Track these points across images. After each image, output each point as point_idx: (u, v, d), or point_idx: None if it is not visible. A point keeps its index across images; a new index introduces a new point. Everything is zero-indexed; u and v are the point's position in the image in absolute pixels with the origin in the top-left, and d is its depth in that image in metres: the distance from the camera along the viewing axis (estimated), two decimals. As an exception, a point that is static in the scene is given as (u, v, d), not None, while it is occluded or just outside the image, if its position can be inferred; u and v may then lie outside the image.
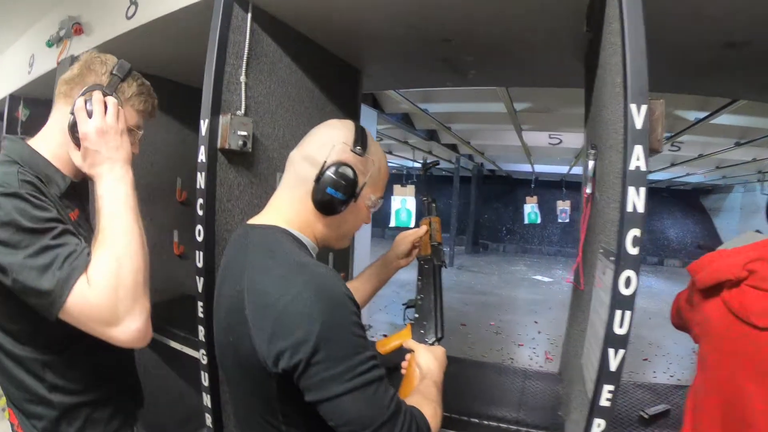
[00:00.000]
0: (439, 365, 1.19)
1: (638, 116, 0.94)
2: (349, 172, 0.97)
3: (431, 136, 7.23)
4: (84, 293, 0.91)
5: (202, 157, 1.51)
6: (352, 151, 0.99)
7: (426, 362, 1.19)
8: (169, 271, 2.78)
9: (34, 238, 0.92)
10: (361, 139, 1.01)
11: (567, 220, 10.74)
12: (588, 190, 1.43)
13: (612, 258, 1.00)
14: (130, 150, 1.13)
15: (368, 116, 4.66)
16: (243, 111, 1.62)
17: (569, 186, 10.61)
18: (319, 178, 0.96)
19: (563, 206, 10.45)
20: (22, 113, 3.58)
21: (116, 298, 0.93)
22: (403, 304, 1.40)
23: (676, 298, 1.35)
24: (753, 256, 1.04)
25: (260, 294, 0.87)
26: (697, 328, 1.17)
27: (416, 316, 1.32)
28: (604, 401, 0.98)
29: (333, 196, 0.97)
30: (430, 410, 0.96)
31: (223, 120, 1.52)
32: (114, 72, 1.14)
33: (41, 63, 2.91)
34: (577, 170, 10.35)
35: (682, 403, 1.72)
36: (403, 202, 7.94)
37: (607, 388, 0.98)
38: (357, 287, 1.41)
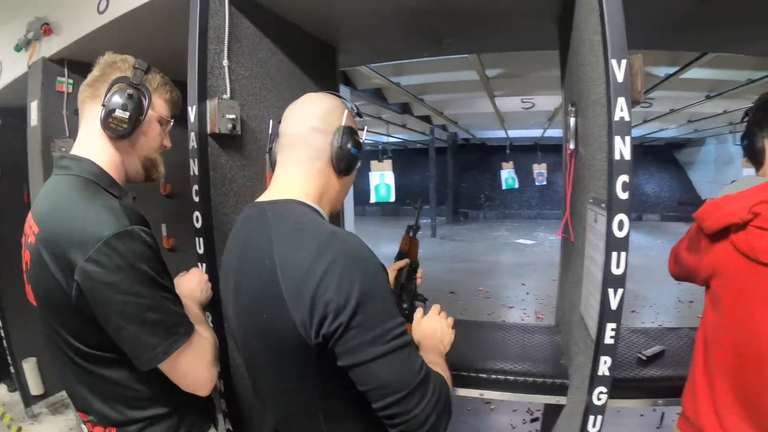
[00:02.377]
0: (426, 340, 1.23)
1: (619, 71, 1.00)
2: (356, 132, 1.06)
3: (404, 109, 7.22)
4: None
5: (193, 143, 1.51)
6: (352, 115, 1.09)
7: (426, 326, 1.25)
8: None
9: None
10: (350, 105, 1.10)
11: (544, 183, 10.84)
12: (571, 146, 1.49)
13: (603, 205, 1.06)
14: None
15: (342, 94, 4.62)
16: (229, 95, 1.62)
17: (544, 149, 10.71)
18: (341, 141, 1.02)
19: (539, 169, 10.55)
20: (-7, 123, 3.50)
21: None
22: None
23: (673, 250, 1.41)
24: (757, 198, 1.10)
25: (296, 267, 0.88)
26: (705, 272, 1.22)
27: None
28: (608, 339, 1.06)
29: (353, 155, 1.04)
30: (446, 375, 1.01)
31: (211, 104, 1.52)
32: (136, 66, 1.16)
33: (10, 69, 2.82)
34: (551, 133, 10.48)
35: (675, 344, 1.82)
36: (382, 177, 7.94)
37: (610, 326, 1.06)
38: None
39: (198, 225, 1.52)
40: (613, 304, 1.04)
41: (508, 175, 10.61)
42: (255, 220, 1.00)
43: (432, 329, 1.23)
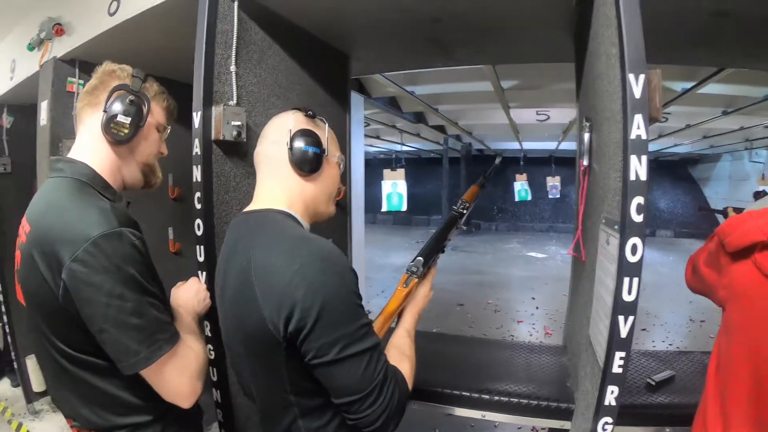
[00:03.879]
0: (416, 305, 1.31)
1: (637, 86, 0.95)
2: (311, 131, 1.11)
3: (419, 118, 7.20)
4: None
5: (197, 150, 1.49)
6: (305, 117, 1.15)
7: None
8: (166, 270, 2.75)
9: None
10: (308, 110, 1.17)
11: (557, 196, 10.76)
12: (585, 162, 1.44)
13: (616, 227, 1.01)
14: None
15: (355, 102, 4.57)
16: (235, 101, 1.60)
17: (558, 162, 10.60)
18: (292, 144, 1.09)
19: (553, 182, 10.47)
20: (6, 120, 3.52)
21: None
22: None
23: (691, 259, 1.34)
24: None
25: (268, 267, 0.95)
26: (723, 292, 1.16)
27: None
28: (616, 368, 1.00)
29: (309, 150, 1.09)
30: (408, 368, 1.09)
31: (216, 111, 1.50)
32: (134, 75, 1.20)
33: (23, 68, 2.85)
34: (566, 146, 10.38)
35: (686, 369, 1.76)
36: (394, 186, 7.91)
37: (619, 355, 1.00)
38: None
39: (199, 232, 1.50)
40: (623, 332, 0.99)
41: (521, 187, 10.53)
42: (240, 228, 1.09)
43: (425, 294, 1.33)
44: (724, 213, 1.93)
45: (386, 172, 8.56)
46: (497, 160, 1.62)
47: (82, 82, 2.49)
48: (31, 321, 1.10)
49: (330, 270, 0.94)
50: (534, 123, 6.92)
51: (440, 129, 8.91)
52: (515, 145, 11.53)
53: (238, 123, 1.56)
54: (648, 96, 0.95)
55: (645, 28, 0.98)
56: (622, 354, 1.00)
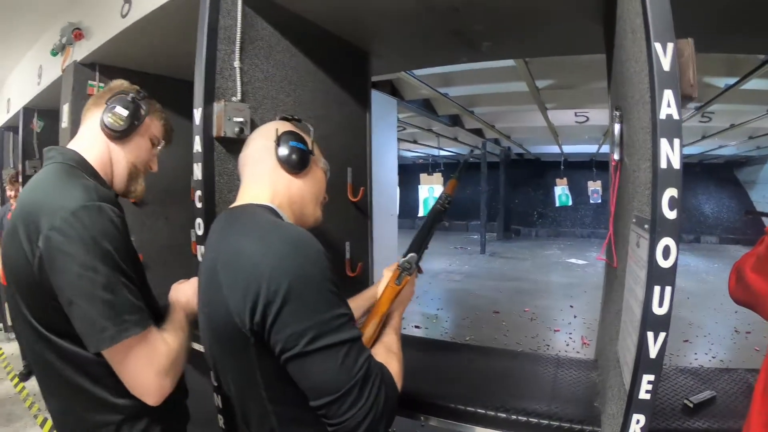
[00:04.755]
0: (402, 304, 1.21)
1: (664, 57, 0.80)
2: (298, 133, 1.10)
3: (455, 121, 7.12)
4: None
5: (197, 147, 1.45)
6: (291, 122, 1.15)
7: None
8: (190, 272, 2.71)
9: None
10: (293, 116, 1.17)
11: (599, 201, 10.50)
12: (616, 156, 1.29)
13: (646, 226, 0.86)
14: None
15: (388, 105, 4.52)
16: (239, 97, 1.55)
17: (599, 166, 10.35)
18: (279, 142, 1.06)
19: (594, 187, 10.21)
20: (36, 125, 3.60)
21: None
22: None
23: (735, 267, 1.19)
24: None
25: (234, 255, 0.88)
26: None
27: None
28: (643, 393, 0.84)
29: (296, 147, 1.06)
30: (396, 366, 0.98)
31: (217, 107, 1.46)
32: (139, 90, 1.26)
33: (48, 73, 2.93)
34: (607, 149, 10.04)
35: (728, 388, 1.56)
36: (431, 191, 7.84)
37: (647, 378, 0.83)
38: None
39: (200, 232, 1.45)
40: (653, 351, 0.82)
41: (561, 192, 10.31)
42: (220, 224, 1.03)
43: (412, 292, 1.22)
44: None
45: (423, 176, 8.50)
46: (467, 154, 1.51)
47: (102, 84, 2.50)
48: (11, 301, 1.09)
49: (300, 253, 0.85)
50: (573, 125, 6.69)
51: (478, 133, 8.77)
52: (555, 149, 11.26)
53: (241, 119, 1.51)
54: (680, 69, 0.80)
55: (675, 10, 0.83)
56: (651, 377, 0.83)
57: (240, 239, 0.91)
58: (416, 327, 5.86)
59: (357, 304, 1.45)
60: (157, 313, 1.14)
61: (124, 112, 1.20)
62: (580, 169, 12.56)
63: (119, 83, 1.27)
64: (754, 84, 3.96)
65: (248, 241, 0.89)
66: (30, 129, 3.67)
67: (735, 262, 1.21)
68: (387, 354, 1.00)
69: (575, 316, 6.42)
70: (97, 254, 0.96)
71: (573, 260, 11.72)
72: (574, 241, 15.26)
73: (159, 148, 1.33)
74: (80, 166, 1.14)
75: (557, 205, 10.52)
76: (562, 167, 10.04)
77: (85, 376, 1.04)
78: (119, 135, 1.20)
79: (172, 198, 2.76)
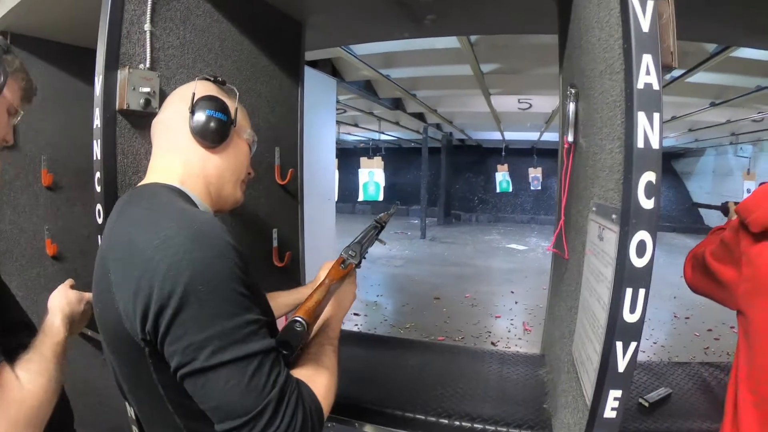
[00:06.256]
0: (342, 308, 1.05)
1: (644, 16, 0.67)
2: (218, 98, 0.94)
3: (396, 105, 6.96)
4: None
5: (97, 121, 1.26)
6: (213, 83, 0.98)
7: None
8: (45, 278, 2.39)
9: None
10: (215, 77, 1.01)
11: (539, 188, 10.71)
12: (570, 138, 1.17)
13: (614, 216, 0.73)
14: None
15: (328, 84, 4.34)
16: (148, 64, 1.35)
17: (540, 153, 10.53)
18: (194, 110, 0.90)
19: (535, 173, 10.40)
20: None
21: None
22: None
23: (691, 255, 1.12)
24: None
25: (125, 245, 0.73)
26: (744, 286, 0.92)
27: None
28: (609, 411, 0.71)
29: (214, 116, 0.91)
30: (324, 381, 0.82)
31: (121, 75, 1.27)
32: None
33: None
34: (548, 137, 10.25)
35: (683, 384, 1.51)
36: (371, 175, 7.69)
37: (614, 395, 0.71)
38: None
39: (100, 221, 1.27)
40: (621, 364, 0.69)
41: (502, 178, 10.42)
42: (119, 206, 0.87)
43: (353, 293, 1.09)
44: (724, 208, 1.66)
45: (363, 160, 8.32)
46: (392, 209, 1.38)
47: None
48: None
49: (202, 245, 0.70)
50: (516, 111, 6.69)
51: (420, 117, 8.66)
52: (497, 135, 11.35)
53: (147, 89, 1.32)
54: (659, 33, 0.67)
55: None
56: (618, 393, 0.71)
57: (132, 228, 0.75)
58: (356, 314, 5.73)
59: (284, 300, 1.29)
60: (24, 329, 0.92)
61: None
62: (521, 155, 12.77)
63: None
64: (699, 77, 3.99)
65: (141, 230, 0.73)
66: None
67: (690, 251, 1.16)
68: (315, 368, 0.84)
69: (516, 302, 6.45)
70: None
71: (513, 245, 11.91)
72: (515, 226, 15.52)
73: (18, 116, 1.07)
74: None
75: (498, 191, 10.63)
76: (503, 154, 10.10)
77: None
78: None
79: (87, 183, 2.45)
